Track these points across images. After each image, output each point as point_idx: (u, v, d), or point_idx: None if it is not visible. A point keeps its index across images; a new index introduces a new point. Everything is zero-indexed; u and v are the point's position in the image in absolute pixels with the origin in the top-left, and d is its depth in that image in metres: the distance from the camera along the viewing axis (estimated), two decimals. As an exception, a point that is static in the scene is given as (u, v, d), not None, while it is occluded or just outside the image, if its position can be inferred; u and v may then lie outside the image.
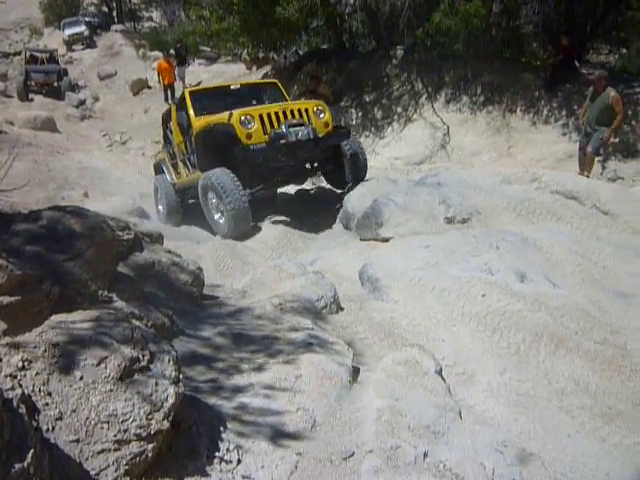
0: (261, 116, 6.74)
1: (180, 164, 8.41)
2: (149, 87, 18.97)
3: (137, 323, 2.20)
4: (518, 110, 11.96)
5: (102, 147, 15.44)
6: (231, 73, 18.16)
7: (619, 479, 2.70)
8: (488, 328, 3.72)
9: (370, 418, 2.29)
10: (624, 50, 12.99)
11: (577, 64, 11.78)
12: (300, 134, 6.69)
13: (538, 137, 11.38)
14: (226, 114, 6.78)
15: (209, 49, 18.97)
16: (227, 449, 1.95)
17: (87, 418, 1.59)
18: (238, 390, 2.49)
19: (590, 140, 8.01)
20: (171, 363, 1.82)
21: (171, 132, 8.89)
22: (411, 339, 3.60)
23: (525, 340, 3.65)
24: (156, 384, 1.71)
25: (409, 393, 2.55)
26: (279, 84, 8.63)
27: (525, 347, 3.62)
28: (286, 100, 8.29)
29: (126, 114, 18.10)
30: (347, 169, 7.68)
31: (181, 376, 1.85)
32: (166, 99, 16.92)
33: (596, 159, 8.54)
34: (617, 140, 9.98)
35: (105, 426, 1.58)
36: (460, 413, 2.66)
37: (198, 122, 7.49)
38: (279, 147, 6.63)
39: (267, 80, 9.31)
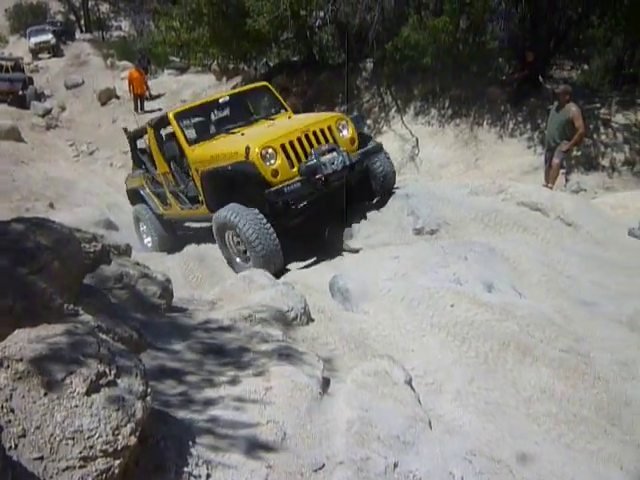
0: (284, 147, 5.67)
1: (169, 195, 7.22)
2: (117, 97, 18.76)
3: (104, 337, 2.16)
4: (485, 123, 12.21)
5: (68, 157, 15.19)
6: (200, 84, 18.09)
7: (584, 485, 2.75)
8: (457, 338, 3.77)
9: (340, 429, 2.30)
10: (585, 66, 13.40)
11: (541, 79, 12.10)
12: (335, 163, 5.66)
13: (504, 149, 11.63)
14: (238, 147, 5.69)
15: (179, 59, 18.89)
16: (196, 464, 1.92)
17: (52, 435, 1.56)
18: (208, 403, 2.47)
19: (554, 153, 8.22)
20: (139, 377, 1.80)
21: (148, 155, 7.83)
22: (381, 350, 3.62)
23: (493, 349, 3.71)
24: (123, 399, 1.68)
25: (379, 404, 2.56)
26: (271, 87, 7.55)
27: (493, 356, 3.68)
28: (282, 106, 7.34)
29: (93, 124, 17.84)
30: (375, 185, 6.64)
31: (149, 390, 1.83)
32: (136, 109, 16.77)
33: (560, 171, 8.75)
34: (579, 153, 10.27)
35: (70, 442, 1.54)
36: (430, 423, 2.68)
37: (195, 153, 6.39)
38: (314, 183, 5.60)
39: (257, 85, 7.86)
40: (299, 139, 5.76)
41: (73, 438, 1.55)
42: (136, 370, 1.84)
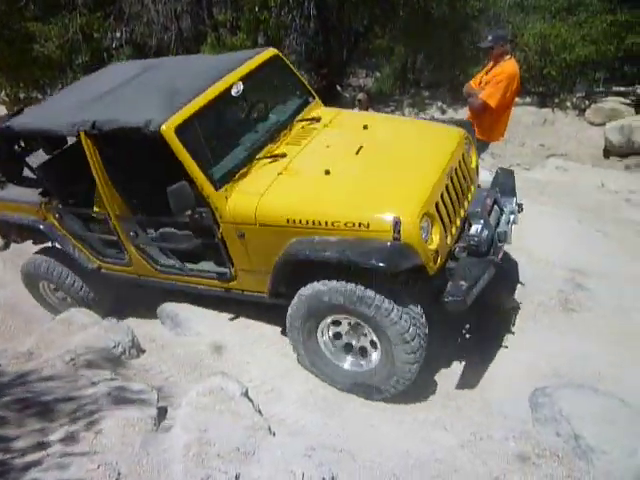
0: (438, 208, 3.33)
1: (132, 250, 4.16)
2: None
3: None
4: (295, 133, 12.72)
5: None
6: (-11, 116, 16.34)
7: (416, 452, 3.02)
8: (289, 343, 3.89)
9: (178, 456, 2.27)
10: (378, 73, 14.64)
11: (339, 88, 12.96)
12: (505, 236, 3.59)
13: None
14: (358, 212, 3.22)
15: (-43, 91, 16.87)
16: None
17: None
18: (29, 466, 2.27)
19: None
20: None
21: (54, 174, 4.34)
22: (217, 368, 3.62)
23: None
24: None
25: (217, 421, 2.57)
26: (280, 55, 4.36)
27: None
28: (306, 89, 4.45)
29: None
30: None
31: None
32: None
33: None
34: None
35: None
36: (270, 429, 2.75)
37: (234, 204, 3.51)
38: (496, 267, 3.49)
39: (265, 55, 4.23)
40: (447, 188, 3.47)
41: None
42: None
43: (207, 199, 3.49)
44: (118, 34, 13.09)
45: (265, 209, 3.40)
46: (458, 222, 3.52)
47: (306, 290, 3.36)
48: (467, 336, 4.01)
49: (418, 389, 3.51)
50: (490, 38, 4.99)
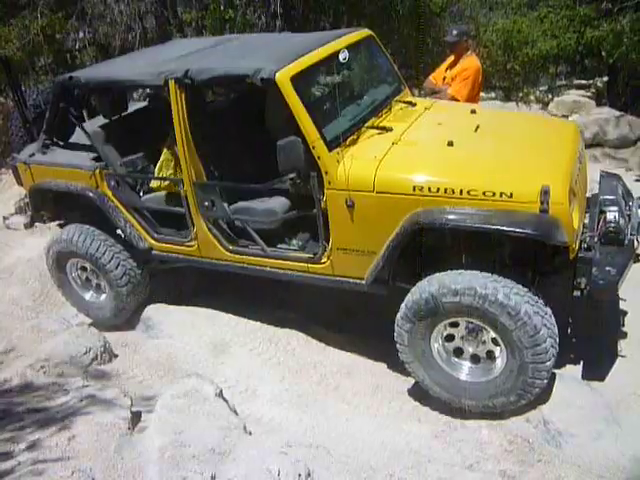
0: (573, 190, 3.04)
1: (204, 226, 3.72)
2: None
3: None
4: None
5: None
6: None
7: (391, 443, 3.07)
8: (263, 342, 3.90)
9: (153, 459, 2.26)
10: (345, 71, 14.72)
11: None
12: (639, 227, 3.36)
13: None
14: (500, 181, 2.89)
15: None
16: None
17: None
18: (1, 475, 2.24)
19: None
20: None
21: (113, 137, 4.04)
22: (191, 369, 3.61)
23: (299, 343, 3.92)
24: None
25: (192, 423, 2.57)
26: (375, 37, 4.11)
27: (299, 350, 3.89)
28: (398, 77, 4.18)
29: None
30: None
31: None
32: None
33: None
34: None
35: None
36: (245, 428, 2.76)
37: (352, 168, 3.12)
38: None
39: (360, 34, 3.96)
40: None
41: None
42: None
43: (318, 160, 3.13)
44: (81, 35, 12.86)
45: (386, 174, 3.05)
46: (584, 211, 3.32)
47: (457, 284, 2.88)
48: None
49: (391, 381, 3.56)
50: (455, 32, 5.10)
